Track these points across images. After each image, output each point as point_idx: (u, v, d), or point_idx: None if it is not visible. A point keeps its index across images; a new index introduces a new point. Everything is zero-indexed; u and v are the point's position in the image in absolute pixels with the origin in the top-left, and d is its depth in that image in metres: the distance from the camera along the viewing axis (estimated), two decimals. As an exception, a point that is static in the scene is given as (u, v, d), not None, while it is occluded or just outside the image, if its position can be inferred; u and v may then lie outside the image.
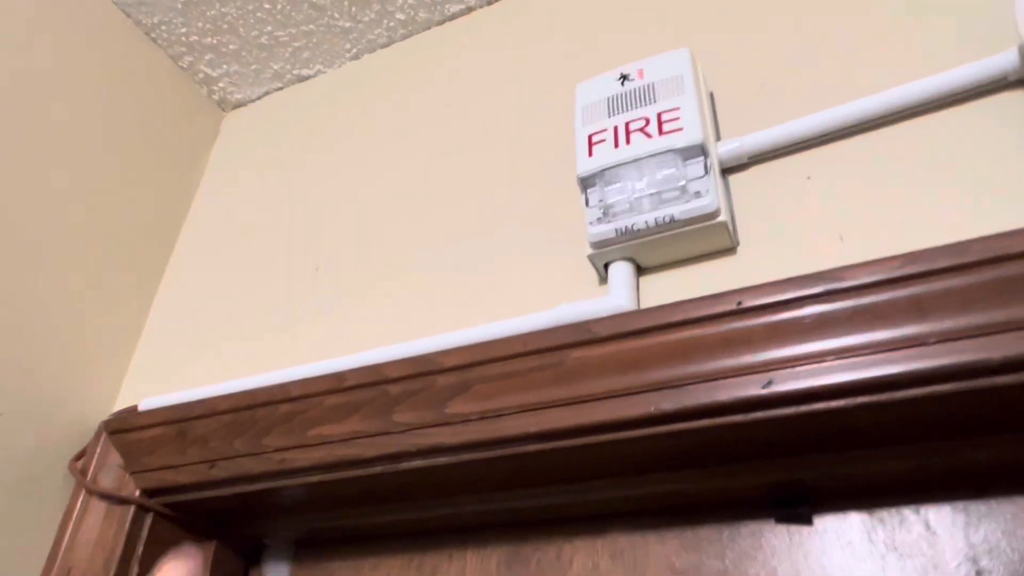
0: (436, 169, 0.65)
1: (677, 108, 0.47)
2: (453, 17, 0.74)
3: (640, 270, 0.49)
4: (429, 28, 0.76)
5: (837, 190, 0.46)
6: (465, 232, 0.59)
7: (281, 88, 0.83)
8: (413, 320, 0.57)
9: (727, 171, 0.50)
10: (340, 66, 0.80)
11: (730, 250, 0.47)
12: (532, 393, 0.47)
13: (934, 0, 0.49)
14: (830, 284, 0.41)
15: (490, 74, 0.68)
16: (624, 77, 0.51)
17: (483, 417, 0.48)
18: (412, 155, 0.68)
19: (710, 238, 0.46)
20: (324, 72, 0.81)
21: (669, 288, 0.48)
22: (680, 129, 0.46)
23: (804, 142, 0.48)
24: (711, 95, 0.55)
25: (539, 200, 0.57)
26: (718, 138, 0.52)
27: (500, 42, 0.70)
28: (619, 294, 0.47)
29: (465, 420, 0.48)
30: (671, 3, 0.62)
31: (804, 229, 0.46)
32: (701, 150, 0.46)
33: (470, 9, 0.74)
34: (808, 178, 0.48)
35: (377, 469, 0.51)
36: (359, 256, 0.64)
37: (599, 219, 0.47)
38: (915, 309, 0.39)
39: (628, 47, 0.62)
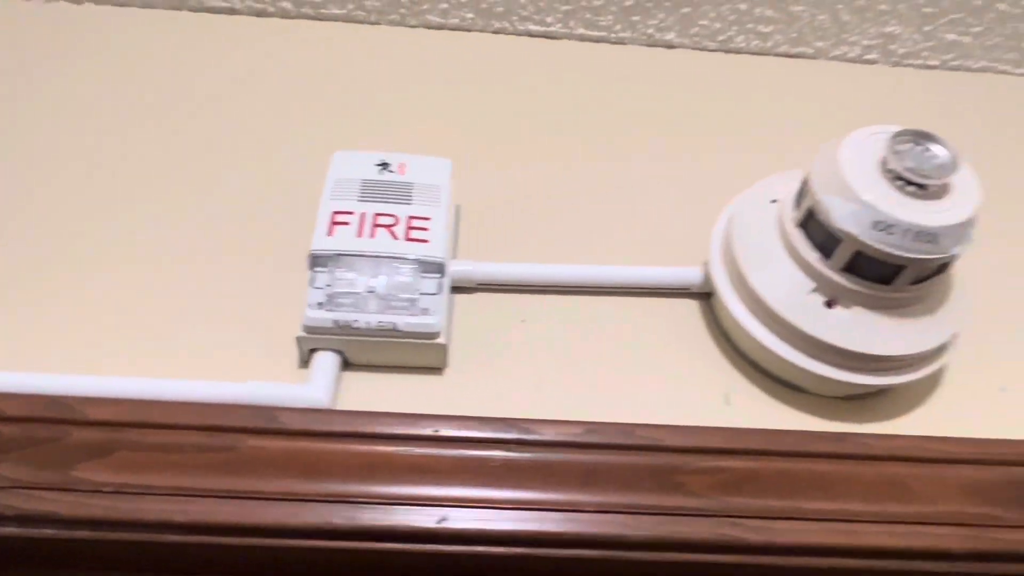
0: (156, 172, 0.56)
1: (428, 219, 0.47)
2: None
3: (346, 363, 0.47)
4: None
5: (546, 340, 0.50)
6: (166, 255, 0.51)
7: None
8: (53, 349, 0.47)
9: (455, 289, 0.51)
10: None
11: (439, 370, 0.48)
12: (190, 476, 0.41)
13: (662, 207, 0.58)
14: (522, 433, 0.43)
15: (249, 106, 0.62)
16: (384, 165, 0.50)
17: (120, 491, 0.40)
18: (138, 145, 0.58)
19: (425, 355, 0.46)
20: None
21: (371, 391, 0.46)
22: (426, 241, 0.46)
23: (527, 286, 0.51)
24: (458, 208, 0.56)
25: (264, 257, 0.52)
26: (455, 255, 0.53)
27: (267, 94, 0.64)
28: (318, 387, 0.44)
29: (96, 490, 0.40)
30: (453, 105, 0.64)
31: (510, 369, 0.48)
32: (440, 268, 0.46)
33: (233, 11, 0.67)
34: (523, 321, 0.51)
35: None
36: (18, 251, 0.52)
37: (320, 304, 0.44)
38: (584, 476, 0.43)
39: (395, 134, 0.61)
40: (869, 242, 0.41)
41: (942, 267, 0.44)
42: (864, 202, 0.41)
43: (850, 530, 0.42)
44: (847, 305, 0.44)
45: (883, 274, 0.43)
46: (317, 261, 0.46)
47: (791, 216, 0.45)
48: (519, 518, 0.41)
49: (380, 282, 0.45)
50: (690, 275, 0.51)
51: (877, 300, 0.44)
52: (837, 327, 0.44)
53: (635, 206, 0.58)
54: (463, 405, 0.46)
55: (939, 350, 0.46)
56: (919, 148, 0.42)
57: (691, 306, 0.52)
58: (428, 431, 0.43)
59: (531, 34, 0.70)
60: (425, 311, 0.45)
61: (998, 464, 0.44)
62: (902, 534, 0.42)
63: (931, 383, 0.50)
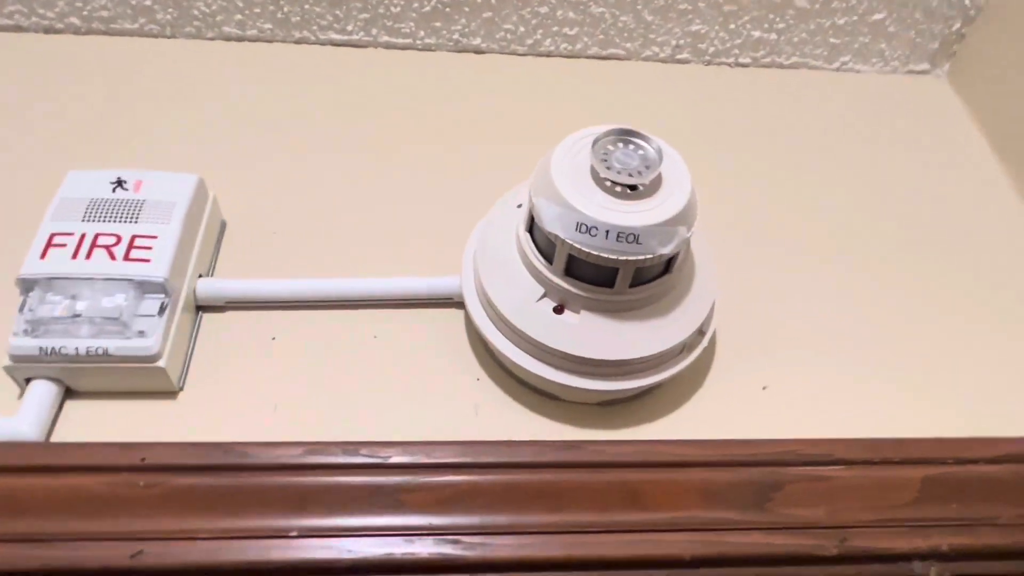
0: None
1: (155, 237, 0.45)
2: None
3: (70, 392, 0.45)
4: None
5: (296, 358, 0.48)
6: None
7: None
8: None
9: (204, 308, 0.49)
10: None
11: (172, 394, 0.46)
12: None
13: (447, 214, 0.57)
14: (237, 458, 0.42)
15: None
16: (120, 183, 0.48)
17: None
18: None
19: (147, 379, 0.44)
20: None
21: (94, 419, 0.44)
22: (147, 260, 0.44)
23: (279, 302, 0.49)
24: (223, 224, 0.54)
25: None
26: (212, 273, 0.51)
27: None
28: (24, 419, 0.42)
29: None
30: (241, 119, 0.62)
31: (253, 389, 0.46)
32: (162, 289, 0.44)
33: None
34: (273, 338, 0.49)
35: None
36: None
37: (25, 331, 0.42)
38: (300, 499, 0.41)
39: (176, 151, 0.59)
40: (575, 244, 0.40)
41: (667, 267, 0.43)
42: (567, 204, 0.40)
43: (577, 542, 0.41)
44: (575, 310, 0.43)
45: (601, 277, 0.42)
46: (26, 286, 0.43)
47: (523, 220, 0.44)
48: (218, 548, 0.39)
49: (88, 305, 0.43)
50: (450, 284, 0.50)
51: (603, 304, 0.42)
52: (566, 333, 0.43)
53: (417, 215, 0.56)
54: (192, 429, 0.44)
55: (679, 351, 0.45)
56: (629, 147, 0.41)
57: (455, 316, 0.51)
58: (135, 460, 0.41)
59: (334, 43, 0.68)
60: (142, 333, 0.43)
61: (735, 465, 0.43)
62: (631, 543, 0.41)
63: (692, 384, 0.49)
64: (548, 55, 0.70)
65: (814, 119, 0.68)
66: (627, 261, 0.40)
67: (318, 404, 0.46)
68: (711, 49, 0.70)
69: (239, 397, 0.46)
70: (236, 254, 0.53)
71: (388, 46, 0.69)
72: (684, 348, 0.45)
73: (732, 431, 0.47)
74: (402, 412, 0.46)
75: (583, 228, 0.39)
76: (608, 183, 0.40)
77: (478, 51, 0.70)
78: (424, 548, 0.40)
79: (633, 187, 0.40)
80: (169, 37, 0.67)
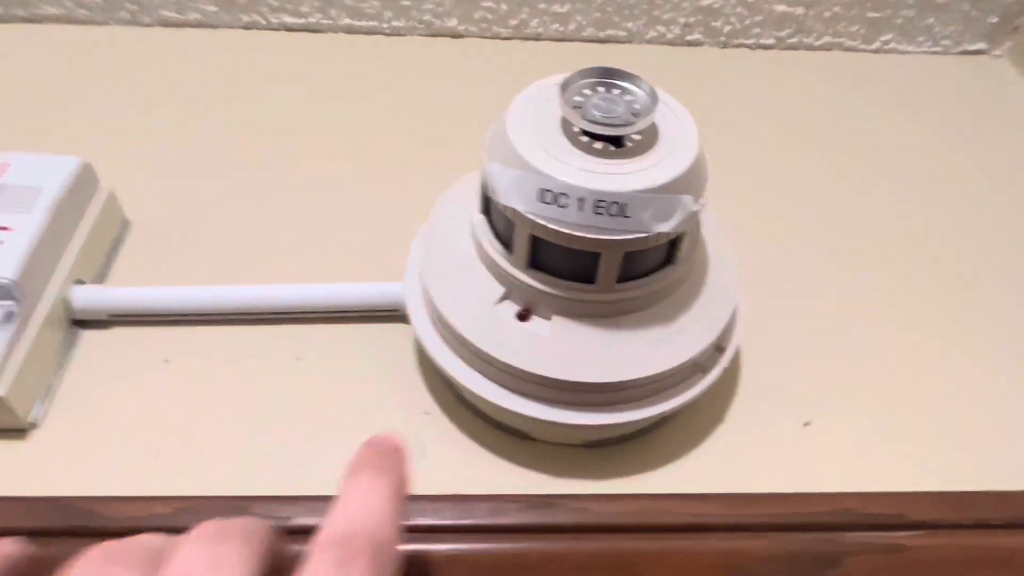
0: None
1: (7, 229, 0.35)
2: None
3: None
4: None
5: (190, 384, 0.37)
6: None
7: None
8: None
9: (84, 323, 0.39)
10: None
11: (18, 432, 0.35)
12: None
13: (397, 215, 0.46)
14: (84, 520, 0.31)
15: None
16: (-19, 166, 0.38)
17: None
18: None
19: (-17, 412, 0.34)
20: None
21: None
22: (-8, 257, 0.34)
23: (178, 316, 0.39)
24: (126, 223, 0.44)
25: None
26: (103, 281, 0.41)
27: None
28: None
29: None
30: (170, 108, 0.53)
31: (129, 426, 0.35)
32: (8, 293, 0.34)
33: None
34: (166, 361, 0.38)
35: None
36: None
37: None
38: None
39: (93, 141, 0.50)
40: (539, 221, 0.29)
41: (669, 255, 0.32)
42: (526, 164, 0.29)
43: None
44: (545, 316, 0.32)
45: (579, 269, 0.30)
46: None
47: (478, 200, 0.34)
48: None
49: (-96, 314, 0.33)
50: (392, 292, 0.39)
51: (583, 306, 0.31)
52: (534, 347, 0.31)
53: (369, 220, 0.46)
54: (38, 478, 0.33)
55: (690, 373, 0.34)
56: (612, 92, 0.31)
57: (399, 333, 0.40)
58: (-59, 522, 0.30)
59: (288, 28, 0.59)
60: (-25, 352, 0.33)
61: (771, 530, 0.31)
62: (626, 643, 0.29)
63: (708, 419, 0.37)
64: (536, 38, 0.60)
65: (851, 110, 0.57)
66: (611, 243, 0.29)
67: (215, 446, 0.35)
68: (727, 28, 0.60)
69: (112, 436, 0.35)
70: (141, 262, 0.43)
71: (350, 30, 0.59)
72: (696, 369, 0.34)
73: (764, 483, 0.35)
74: (325, 457, 0.35)
75: (548, 196, 0.29)
76: (583, 137, 0.29)
77: (455, 34, 0.60)
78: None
79: (617, 141, 0.30)
80: (100, 23, 0.58)
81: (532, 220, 0.29)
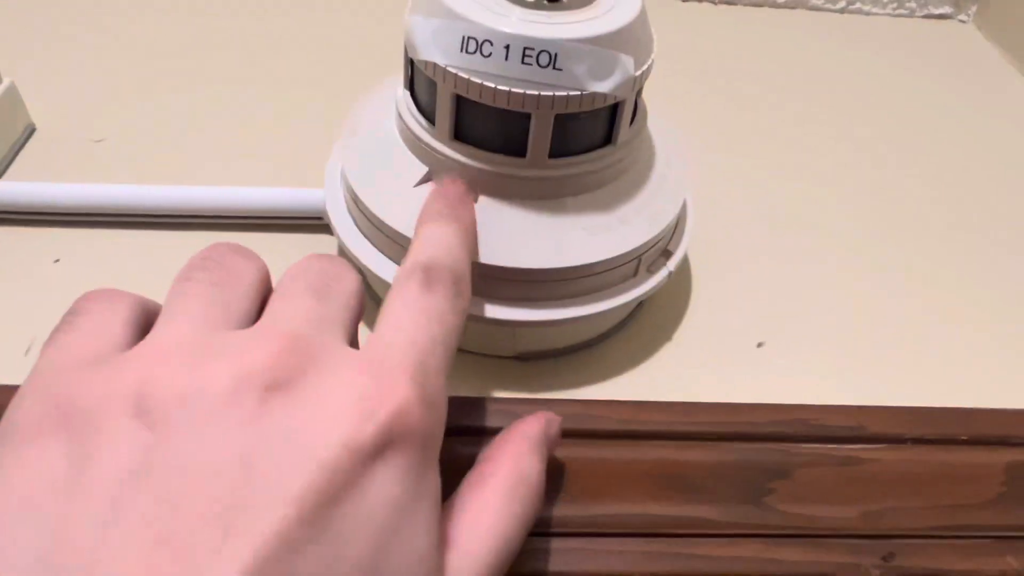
0: None
1: None
2: None
3: None
4: None
5: (76, 285, 0.33)
6: None
7: None
8: None
9: (-34, 221, 0.35)
10: None
11: None
12: None
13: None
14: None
15: None
16: None
17: None
18: None
19: None
20: None
21: None
22: None
23: (64, 213, 0.35)
24: (31, 128, 0.41)
25: None
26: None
27: None
28: None
29: None
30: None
31: (3, 323, 0.32)
32: None
33: None
34: (57, 261, 0.34)
35: None
36: None
37: None
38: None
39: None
40: (460, 73, 0.26)
41: (608, 134, 0.29)
42: (448, 11, 0.26)
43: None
44: (473, 196, 0.29)
45: (508, 138, 0.27)
46: None
47: (404, 77, 0.31)
48: None
49: None
50: (315, 197, 0.36)
51: (512, 183, 0.28)
52: (458, 230, 0.28)
53: (286, 124, 0.43)
54: None
55: (632, 271, 0.30)
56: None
57: (323, 244, 0.37)
58: None
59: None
60: None
61: (715, 439, 0.28)
62: (551, 553, 0.26)
63: (652, 332, 0.34)
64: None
65: (814, 70, 0.55)
66: (541, 99, 0.26)
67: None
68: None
69: (-16, 336, 0.31)
70: (42, 166, 0.39)
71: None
72: (640, 267, 0.31)
73: (710, 397, 0.32)
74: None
75: (472, 45, 0.26)
76: (520, -14, 0.27)
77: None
78: None
79: (554, -4, 0.27)
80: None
81: (454, 74, 0.26)
